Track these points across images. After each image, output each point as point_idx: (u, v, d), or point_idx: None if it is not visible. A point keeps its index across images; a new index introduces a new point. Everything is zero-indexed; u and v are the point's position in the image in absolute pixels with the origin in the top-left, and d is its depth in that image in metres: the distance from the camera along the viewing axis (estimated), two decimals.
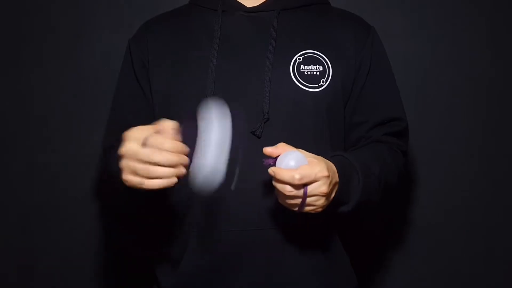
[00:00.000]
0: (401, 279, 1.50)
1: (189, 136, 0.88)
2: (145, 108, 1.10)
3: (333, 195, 0.92)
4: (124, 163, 0.87)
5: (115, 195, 1.01)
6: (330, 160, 0.94)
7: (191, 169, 0.87)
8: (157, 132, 0.86)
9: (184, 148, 0.87)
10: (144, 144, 0.85)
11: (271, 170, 0.88)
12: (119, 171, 0.89)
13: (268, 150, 0.91)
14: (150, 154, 0.84)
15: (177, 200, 1.03)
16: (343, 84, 1.06)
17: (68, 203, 1.50)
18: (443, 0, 1.44)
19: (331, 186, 0.90)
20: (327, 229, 1.07)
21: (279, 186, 0.88)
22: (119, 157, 0.88)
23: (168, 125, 0.86)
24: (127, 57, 1.13)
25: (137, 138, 0.86)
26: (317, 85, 1.04)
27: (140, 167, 0.85)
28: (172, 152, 0.84)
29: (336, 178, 0.92)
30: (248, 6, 1.08)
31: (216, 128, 0.86)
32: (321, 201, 0.90)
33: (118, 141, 1.03)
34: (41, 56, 1.47)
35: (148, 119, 1.09)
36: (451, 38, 1.45)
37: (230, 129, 0.87)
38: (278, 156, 0.90)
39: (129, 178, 0.87)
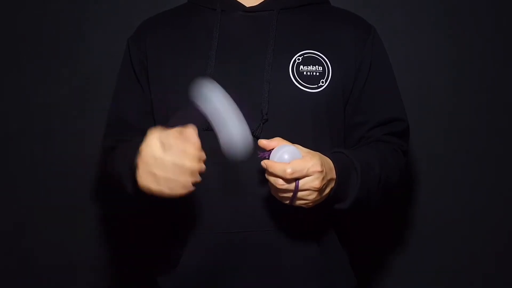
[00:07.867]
0: (401, 279, 1.50)
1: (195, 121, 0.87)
2: (144, 106, 1.10)
3: (327, 190, 0.93)
4: (145, 169, 0.86)
5: (118, 193, 1.00)
6: (329, 157, 0.94)
7: (222, 146, 0.85)
8: (180, 135, 0.85)
9: (203, 155, 0.86)
10: (165, 147, 0.84)
11: (263, 163, 0.89)
12: (133, 172, 0.88)
13: (263, 142, 0.91)
14: (173, 167, 0.83)
15: (176, 201, 1.03)
16: (343, 85, 1.06)
17: (68, 203, 1.50)
18: (443, 0, 1.44)
19: (324, 181, 0.90)
20: (326, 230, 1.07)
21: (271, 179, 0.89)
22: (136, 159, 0.87)
23: (191, 132, 0.85)
24: (126, 56, 1.13)
25: (160, 142, 0.84)
26: (316, 85, 1.03)
27: (162, 176, 0.84)
28: (193, 159, 0.84)
29: (332, 175, 0.93)
30: (247, 6, 1.07)
31: (215, 99, 0.85)
32: (313, 196, 0.90)
33: (119, 141, 1.03)
34: (41, 56, 1.47)
35: (147, 117, 1.09)
36: (451, 38, 1.45)
37: (225, 95, 0.86)
38: (273, 149, 0.90)
39: (147, 184, 0.86)
